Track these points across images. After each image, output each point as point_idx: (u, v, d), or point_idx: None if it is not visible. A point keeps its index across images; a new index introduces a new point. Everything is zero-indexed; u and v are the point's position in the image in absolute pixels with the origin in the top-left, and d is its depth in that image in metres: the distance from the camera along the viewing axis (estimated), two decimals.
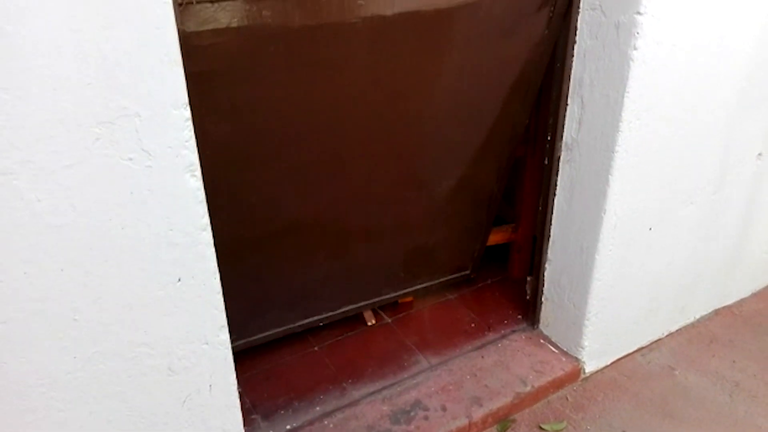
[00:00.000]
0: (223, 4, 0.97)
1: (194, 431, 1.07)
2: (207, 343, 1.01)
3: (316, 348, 1.70)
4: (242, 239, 1.36)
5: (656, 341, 1.81)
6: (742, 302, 2.00)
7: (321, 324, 1.71)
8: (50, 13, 0.73)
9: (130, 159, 0.83)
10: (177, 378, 1.01)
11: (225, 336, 1.03)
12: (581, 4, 1.34)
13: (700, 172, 1.58)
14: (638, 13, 1.24)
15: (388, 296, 1.78)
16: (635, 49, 1.27)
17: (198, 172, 0.90)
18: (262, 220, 1.37)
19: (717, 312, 1.94)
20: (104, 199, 0.84)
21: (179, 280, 0.94)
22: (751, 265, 1.96)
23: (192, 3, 0.92)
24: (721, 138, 1.56)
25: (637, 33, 1.25)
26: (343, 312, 1.73)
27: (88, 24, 0.75)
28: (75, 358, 0.90)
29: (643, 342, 1.78)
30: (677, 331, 1.86)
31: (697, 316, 1.90)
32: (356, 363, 1.65)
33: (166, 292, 0.94)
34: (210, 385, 1.05)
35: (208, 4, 0.95)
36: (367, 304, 1.77)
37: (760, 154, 1.71)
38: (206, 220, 0.93)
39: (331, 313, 1.71)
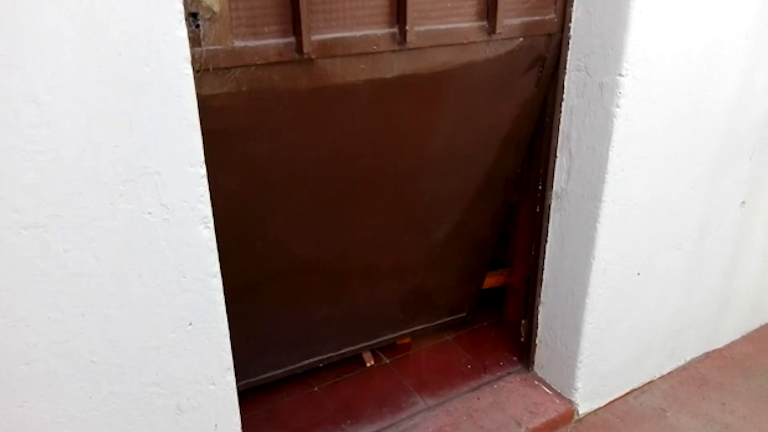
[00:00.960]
0: (236, 70, 1.06)
1: None
2: (214, 384, 1.07)
3: (316, 388, 1.75)
4: (247, 283, 1.43)
5: (648, 383, 1.85)
6: (732, 345, 2.05)
7: (321, 365, 1.76)
8: (82, 83, 0.81)
9: (150, 213, 0.91)
10: (185, 417, 1.06)
11: (231, 377, 1.09)
12: (568, 65, 1.44)
13: (685, 220, 1.65)
14: (620, 74, 1.33)
15: (386, 337, 1.84)
16: (618, 107, 1.36)
17: (211, 224, 0.97)
18: (267, 264, 1.44)
19: (707, 355, 1.99)
20: (124, 249, 0.91)
21: (190, 324, 1.01)
22: (740, 309, 2.01)
23: (209, 70, 1.01)
24: (704, 187, 1.64)
25: (620, 92, 1.35)
26: (343, 353, 1.78)
27: (116, 92, 0.83)
28: (91, 398, 0.96)
29: (636, 384, 1.82)
30: (669, 373, 1.90)
31: (688, 359, 1.94)
32: (355, 404, 1.69)
33: (178, 335, 1.00)
34: (215, 425, 1.10)
35: (224, 71, 1.05)
36: (366, 346, 1.82)
37: (743, 202, 1.79)
38: (217, 267, 1.00)
39: (331, 354, 1.76)
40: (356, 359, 1.84)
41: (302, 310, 1.62)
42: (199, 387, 1.06)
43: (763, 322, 2.14)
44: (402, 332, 1.86)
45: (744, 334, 2.09)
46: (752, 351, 2.03)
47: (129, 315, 0.95)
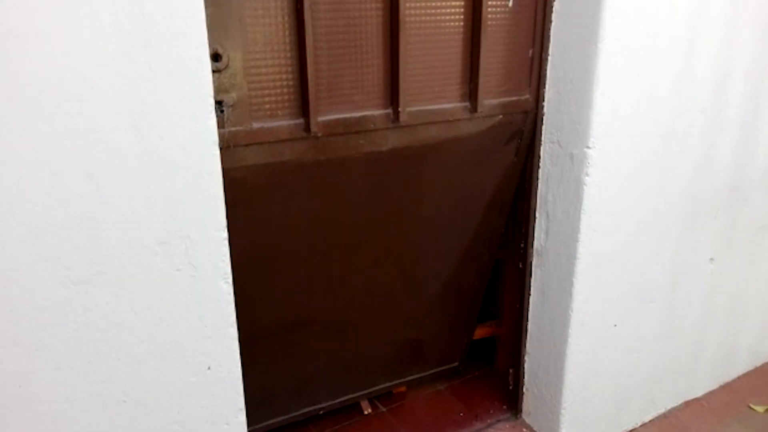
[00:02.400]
0: (253, 146, 1.24)
1: None
2: (228, 424, 1.19)
3: None
4: (255, 334, 1.56)
5: (630, 431, 1.96)
6: (710, 394, 2.16)
7: (321, 412, 1.87)
8: (129, 162, 0.98)
9: (179, 270, 1.06)
10: None
11: (243, 417, 1.22)
12: (543, 138, 1.63)
13: (657, 275, 1.80)
14: (587, 147, 1.52)
15: (383, 386, 1.95)
16: (587, 175, 1.54)
17: (230, 279, 1.12)
18: (273, 317, 1.58)
19: (686, 404, 2.10)
20: (156, 301, 1.06)
21: (209, 368, 1.14)
22: (715, 360, 2.14)
23: (230, 147, 1.19)
24: (673, 245, 1.80)
25: (588, 163, 1.53)
26: (342, 401, 1.89)
27: (156, 170, 1.00)
28: None
29: (618, 431, 1.93)
30: (650, 421, 2.01)
31: (668, 408, 2.05)
32: None
33: (198, 379, 1.14)
34: None
35: (243, 147, 1.22)
36: (363, 394, 1.93)
37: (712, 259, 1.94)
38: (234, 318, 1.15)
39: (330, 402, 1.87)
40: (354, 407, 1.94)
41: (304, 359, 1.75)
42: (214, 426, 1.18)
43: (738, 373, 2.25)
44: (397, 381, 1.98)
45: (721, 383, 2.21)
46: (729, 400, 2.14)
47: (157, 359, 1.08)
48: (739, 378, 2.26)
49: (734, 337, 2.17)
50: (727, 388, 2.21)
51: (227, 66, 1.17)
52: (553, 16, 1.51)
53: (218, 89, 1.15)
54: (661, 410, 2.03)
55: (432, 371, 2.04)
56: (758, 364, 2.31)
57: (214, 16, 1.11)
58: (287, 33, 1.22)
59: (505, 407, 1.96)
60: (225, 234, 1.09)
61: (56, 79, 0.89)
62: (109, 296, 1.01)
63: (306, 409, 1.83)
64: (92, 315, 1.01)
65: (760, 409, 2.08)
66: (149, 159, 0.99)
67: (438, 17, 1.40)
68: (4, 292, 0.94)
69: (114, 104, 0.94)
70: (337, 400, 1.88)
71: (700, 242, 1.87)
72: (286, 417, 1.79)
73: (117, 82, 0.93)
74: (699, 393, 2.14)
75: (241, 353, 1.20)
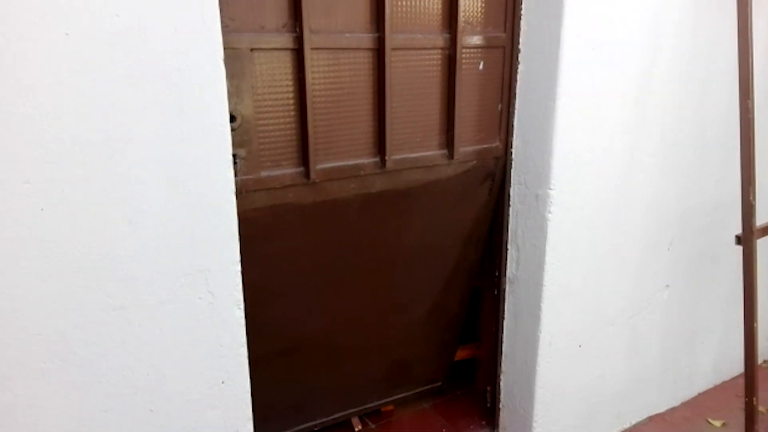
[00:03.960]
0: (261, 192, 1.45)
1: None
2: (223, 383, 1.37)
3: None
4: (259, 355, 1.75)
5: None
6: (672, 410, 2.36)
7: (315, 429, 2.04)
8: (162, 208, 1.18)
9: (200, 298, 1.26)
10: None
11: (250, 426, 1.40)
12: (512, 180, 1.86)
13: (617, 300, 2.02)
14: (550, 188, 1.74)
15: (372, 404, 2.13)
16: (550, 212, 1.76)
17: (242, 306, 1.32)
18: (274, 340, 1.77)
19: (650, 418, 2.29)
20: (180, 324, 1.25)
21: (223, 382, 1.33)
22: (677, 378, 2.34)
23: (242, 193, 1.40)
24: (631, 273, 2.02)
25: (550, 201, 1.75)
26: (335, 418, 2.07)
27: (184, 213, 1.20)
28: None
29: None
30: None
31: (633, 422, 2.25)
32: None
33: (213, 391, 1.33)
34: None
35: (253, 192, 1.43)
36: (354, 412, 2.11)
37: (667, 286, 2.16)
38: (245, 339, 1.34)
39: (324, 420, 2.05)
40: (346, 424, 2.12)
41: (302, 380, 1.93)
42: (226, 430, 1.37)
43: (699, 390, 2.45)
44: (386, 400, 2.16)
45: (683, 400, 2.41)
46: (690, 415, 2.34)
47: (180, 374, 1.27)
48: (700, 395, 2.46)
49: (694, 357, 2.38)
50: (688, 404, 2.41)
51: (240, 125, 1.39)
52: (518, 77, 1.76)
53: (233, 145, 1.36)
54: (627, 425, 2.23)
55: (417, 390, 2.23)
56: (717, 382, 2.52)
57: (232, 86, 1.33)
58: (291, 96, 1.45)
59: (483, 422, 2.15)
60: (239, 267, 1.29)
61: (108, 141, 1.10)
62: (142, 319, 1.21)
63: (303, 426, 2.01)
64: (127, 336, 1.20)
65: (717, 423, 2.28)
66: (179, 206, 1.19)
67: (419, 78, 1.64)
68: (57, 315, 1.13)
69: (153, 162, 1.15)
70: (330, 417, 2.06)
71: (656, 271, 2.10)
72: None
73: (156, 143, 1.14)
74: (662, 409, 2.34)
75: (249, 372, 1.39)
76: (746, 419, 1.98)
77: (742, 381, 2.20)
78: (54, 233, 1.09)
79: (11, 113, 1.01)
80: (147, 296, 1.20)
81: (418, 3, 1.57)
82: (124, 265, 1.17)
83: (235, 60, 1.33)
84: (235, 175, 1.35)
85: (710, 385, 2.50)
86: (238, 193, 1.35)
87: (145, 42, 1.09)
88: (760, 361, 2.55)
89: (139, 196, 1.15)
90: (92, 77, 1.06)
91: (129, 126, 1.11)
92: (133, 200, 1.14)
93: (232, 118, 1.35)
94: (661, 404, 2.33)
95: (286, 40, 1.40)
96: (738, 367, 2.46)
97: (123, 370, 1.21)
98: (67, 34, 1.03)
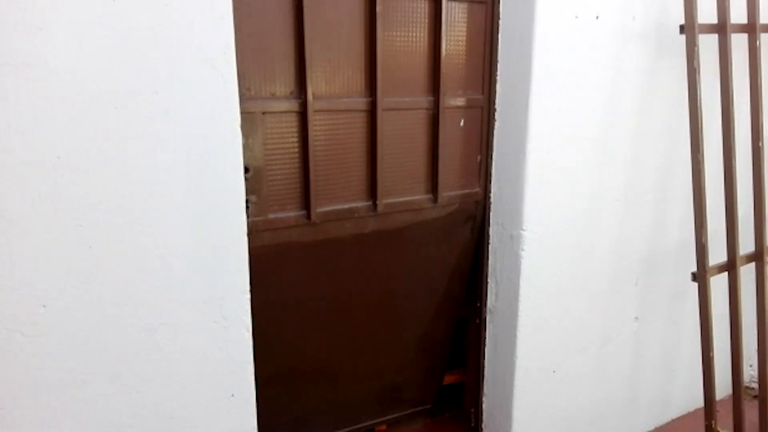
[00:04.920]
0: (268, 231, 1.70)
1: None
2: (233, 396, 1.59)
3: None
4: (263, 376, 1.97)
5: None
6: None
7: None
8: (189, 247, 1.43)
9: (215, 321, 1.50)
10: None
11: None
12: (491, 221, 2.09)
13: (588, 331, 2.23)
14: (522, 230, 1.98)
15: (366, 424, 2.33)
16: (523, 250, 1.99)
17: (250, 329, 1.55)
18: (277, 363, 1.98)
19: None
20: (198, 344, 1.48)
21: (232, 395, 1.56)
22: (649, 405, 2.53)
23: (252, 233, 1.64)
24: (600, 306, 2.23)
25: (523, 241, 1.98)
26: None
27: (206, 253, 1.45)
28: None
29: None
30: None
31: None
32: None
33: (224, 403, 1.55)
34: None
35: (261, 232, 1.68)
36: (349, 430, 2.31)
37: (636, 318, 2.37)
38: (252, 358, 1.57)
39: None
40: None
41: (301, 400, 2.14)
42: None
43: (673, 416, 2.63)
44: (379, 420, 2.36)
45: (657, 425, 2.59)
46: None
47: (197, 387, 1.50)
48: (673, 420, 2.64)
49: (667, 385, 2.56)
50: (661, 429, 2.59)
51: (253, 175, 1.64)
52: (495, 132, 2.01)
53: (246, 191, 1.61)
54: None
55: (408, 411, 2.43)
56: (690, 409, 2.69)
57: (246, 143, 1.59)
58: (296, 150, 1.70)
59: None
60: (248, 296, 1.53)
61: (145, 193, 1.35)
62: (167, 340, 1.44)
63: None
64: (154, 353, 1.44)
65: None
66: (200, 245, 1.44)
67: (406, 134, 1.89)
68: (97, 334, 1.37)
69: (181, 208, 1.40)
70: None
71: (624, 304, 2.31)
72: None
73: (184, 194, 1.39)
74: None
75: None
76: None
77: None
78: (98, 267, 1.33)
79: (72, 168, 1.27)
80: (171, 320, 1.44)
81: (405, 71, 1.84)
82: (153, 294, 1.41)
83: (249, 122, 1.60)
84: (247, 218, 1.60)
85: (683, 412, 2.67)
86: (249, 233, 1.59)
87: (178, 114, 1.35)
88: (746, 380, 2.72)
89: (168, 238, 1.39)
90: (135, 144, 1.32)
91: (163, 179, 1.36)
92: (164, 242, 1.39)
93: (246, 170, 1.61)
94: (634, 429, 2.51)
95: (292, 104, 1.67)
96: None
97: (149, 382, 1.44)
98: (116, 107, 1.29)
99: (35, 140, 1.22)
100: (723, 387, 2.34)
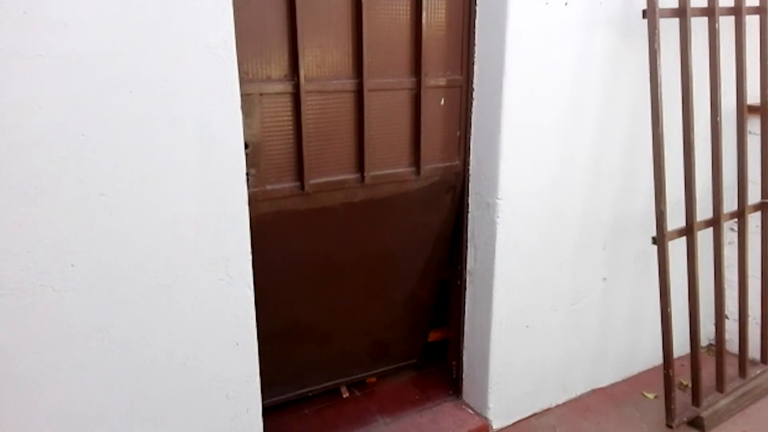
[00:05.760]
0: (266, 201, 1.90)
1: None
2: (248, 382, 1.81)
3: (306, 411, 2.45)
4: (263, 333, 2.18)
5: (546, 410, 2.57)
6: (613, 385, 2.78)
7: (310, 394, 2.48)
8: (200, 222, 1.62)
9: (221, 279, 1.70)
10: (231, 401, 1.79)
11: (257, 379, 1.84)
12: (470, 191, 2.29)
13: (558, 291, 2.45)
14: (498, 198, 2.18)
15: (358, 376, 2.57)
16: (498, 217, 2.19)
17: (252, 286, 1.76)
18: (277, 321, 2.20)
19: (593, 391, 2.72)
20: (208, 298, 1.69)
21: (237, 344, 1.77)
22: (617, 358, 2.77)
23: (251, 202, 1.84)
24: (570, 268, 2.45)
25: (498, 208, 2.18)
26: (326, 386, 2.50)
27: (213, 223, 1.64)
28: (181, 387, 1.70)
29: (536, 410, 2.54)
30: (563, 403, 2.62)
31: (578, 393, 2.67)
32: (334, 422, 2.39)
33: (231, 349, 1.76)
34: (247, 409, 1.83)
35: (260, 202, 1.87)
36: (342, 382, 2.54)
37: (604, 279, 2.59)
38: (254, 312, 1.78)
39: (317, 387, 2.48)
40: (335, 392, 2.56)
41: (298, 354, 2.36)
42: (239, 384, 1.80)
43: (639, 370, 2.88)
44: (369, 372, 2.59)
45: (625, 377, 2.83)
46: (628, 389, 2.76)
47: (207, 335, 1.71)
48: (639, 374, 2.88)
49: (634, 341, 2.80)
50: (629, 380, 2.83)
51: (252, 150, 1.83)
52: (473, 110, 2.20)
53: (246, 165, 1.80)
54: (572, 395, 2.66)
55: (396, 366, 2.66)
56: (656, 363, 2.92)
57: (245, 122, 1.77)
58: (290, 128, 1.89)
59: (450, 391, 2.58)
60: (250, 257, 1.73)
61: (162, 166, 1.54)
62: (180, 295, 1.65)
63: (299, 392, 2.44)
64: (169, 307, 1.64)
65: (650, 395, 2.70)
66: (208, 212, 1.64)
67: (391, 112, 2.08)
68: (120, 292, 1.57)
69: (191, 181, 1.59)
70: (322, 386, 2.49)
71: (593, 266, 2.53)
72: (283, 397, 2.41)
73: (193, 167, 1.58)
74: (605, 383, 2.76)
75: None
76: (665, 387, 2.41)
77: (680, 362, 2.62)
78: (119, 231, 1.53)
79: (95, 145, 1.46)
80: (183, 277, 1.64)
81: (389, 55, 2.01)
82: (167, 255, 1.61)
83: (248, 102, 1.78)
84: (248, 189, 1.80)
85: (650, 366, 2.91)
86: (249, 202, 1.79)
87: (186, 96, 1.53)
88: (705, 343, 2.96)
89: (179, 206, 1.59)
90: (149, 123, 1.51)
91: (174, 154, 1.55)
92: (175, 209, 1.59)
93: (246, 146, 1.79)
94: (604, 379, 2.76)
95: (287, 86, 1.85)
96: (676, 350, 2.87)
97: (165, 332, 1.65)
98: (131, 91, 1.47)
99: (63, 120, 1.41)
100: (686, 344, 2.56)
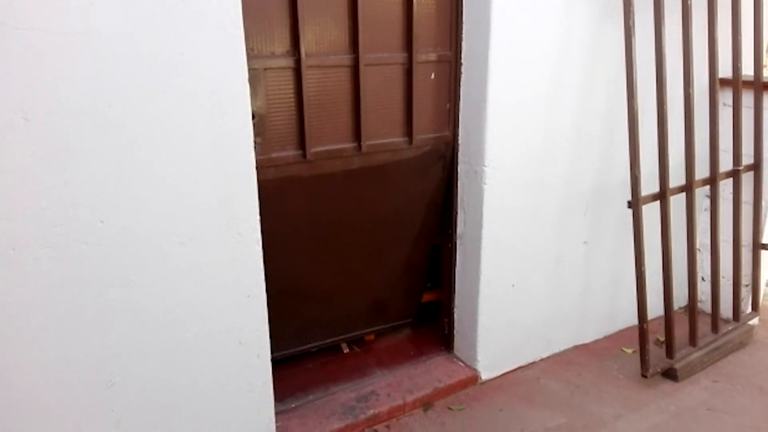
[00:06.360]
0: (271, 168, 2.08)
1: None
2: (258, 330, 2.01)
3: (310, 365, 2.67)
4: (270, 291, 2.38)
5: (531, 363, 2.78)
6: (596, 342, 2.99)
7: (314, 350, 2.69)
8: (213, 183, 1.81)
9: (232, 237, 1.89)
10: (243, 348, 1.99)
11: (266, 328, 2.03)
12: (459, 160, 2.47)
13: (542, 252, 2.64)
14: (485, 166, 2.36)
15: (357, 333, 2.77)
16: (485, 183, 2.38)
17: (260, 243, 1.94)
18: (281, 280, 2.39)
19: (576, 347, 2.93)
20: (220, 254, 1.88)
21: (248, 296, 1.97)
22: (599, 317, 2.97)
23: (259, 168, 2.02)
24: (553, 231, 2.64)
25: (485, 175, 2.36)
26: (328, 343, 2.71)
27: (223, 189, 1.83)
28: (198, 332, 1.90)
29: (522, 363, 2.75)
30: (547, 357, 2.83)
31: (561, 349, 2.88)
32: (336, 373, 2.61)
33: (243, 301, 1.95)
34: (258, 355, 2.04)
35: (266, 168, 2.06)
36: (343, 338, 2.75)
37: (585, 242, 2.78)
38: (262, 266, 1.97)
39: (320, 343, 2.69)
40: (337, 348, 2.77)
41: (302, 312, 2.56)
42: (250, 332, 2.00)
43: (620, 327, 3.08)
44: (368, 330, 2.80)
45: (606, 335, 3.04)
46: (609, 345, 2.97)
47: (220, 288, 1.90)
48: (619, 332, 3.08)
49: (615, 300, 3.00)
50: (610, 337, 3.04)
51: (258, 120, 2.01)
52: (461, 84, 2.37)
53: (254, 134, 1.98)
54: (556, 350, 2.86)
55: (393, 324, 2.87)
56: (636, 322, 3.11)
57: (252, 94, 1.95)
58: (292, 100, 2.07)
59: (443, 347, 2.79)
60: (257, 217, 1.92)
61: (179, 136, 1.72)
62: (196, 251, 1.84)
63: (303, 347, 2.65)
64: (187, 261, 1.83)
65: (629, 351, 2.91)
66: (219, 177, 1.82)
67: (385, 86, 2.25)
68: (144, 247, 1.76)
69: (205, 148, 1.77)
70: (324, 342, 2.69)
71: (575, 230, 2.72)
72: (289, 351, 2.61)
73: (207, 136, 1.76)
74: (587, 340, 2.97)
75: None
76: (639, 340, 2.62)
77: (658, 322, 2.82)
78: (143, 192, 1.71)
79: (120, 114, 1.64)
80: (199, 235, 1.83)
81: (382, 33, 2.18)
82: (184, 214, 1.79)
83: (254, 77, 1.95)
84: (255, 156, 1.98)
85: (630, 324, 3.10)
86: (257, 169, 1.97)
87: (199, 71, 1.71)
88: (675, 307, 3.15)
89: (194, 170, 1.77)
90: (167, 95, 1.68)
91: (189, 124, 1.73)
92: (191, 173, 1.77)
93: (253, 116, 1.97)
94: (586, 337, 2.96)
95: (289, 62, 2.02)
96: (655, 310, 3.06)
97: (183, 285, 1.84)
98: (151, 66, 1.65)
99: (93, 92, 1.58)
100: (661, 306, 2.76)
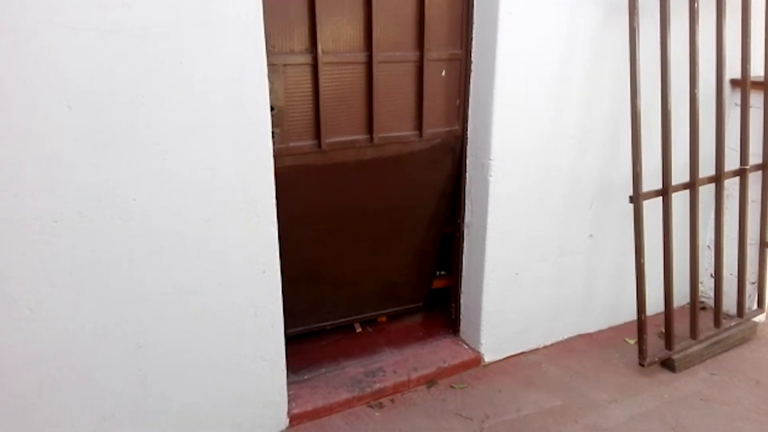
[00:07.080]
0: (288, 156, 2.26)
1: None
2: (272, 303, 2.20)
3: (324, 342, 2.85)
4: (288, 273, 2.56)
5: (534, 349, 2.91)
6: (600, 332, 3.09)
7: (328, 328, 2.87)
8: (236, 167, 2.00)
9: (251, 218, 2.07)
10: (259, 319, 2.18)
11: (280, 302, 2.22)
12: (467, 153, 2.61)
13: (546, 244, 2.76)
14: (491, 159, 2.49)
15: (370, 314, 2.94)
16: (491, 176, 2.51)
17: (276, 225, 2.13)
18: (298, 263, 2.57)
19: (580, 336, 3.04)
20: (239, 233, 2.07)
21: (264, 271, 2.15)
22: (603, 308, 3.07)
23: (276, 157, 2.20)
24: (557, 224, 2.75)
25: (491, 168, 2.50)
26: (341, 322, 2.88)
27: (245, 177, 2.01)
28: (219, 306, 2.10)
29: (525, 348, 2.88)
30: (550, 345, 2.95)
31: (565, 337, 3.00)
32: (348, 350, 2.78)
33: (258, 276, 2.13)
34: (272, 325, 2.22)
35: (283, 157, 2.24)
36: (356, 319, 2.92)
37: (591, 235, 2.89)
38: (277, 246, 2.15)
39: (334, 322, 2.86)
40: (349, 327, 2.94)
41: (318, 293, 2.74)
42: (266, 304, 2.19)
43: (624, 320, 3.17)
44: (380, 312, 2.96)
45: (610, 325, 3.13)
46: (612, 335, 3.07)
47: (240, 263, 2.09)
48: (624, 324, 3.17)
49: (619, 293, 3.09)
50: (614, 328, 3.13)
51: (277, 112, 2.19)
52: (471, 81, 2.50)
53: (272, 125, 2.16)
54: (559, 338, 2.98)
55: (404, 307, 3.02)
56: None
57: (271, 88, 2.13)
58: (309, 94, 2.24)
59: (450, 330, 2.94)
60: (274, 201, 2.10)
61: (204, 125, 1.91)
62: (218, 229, 2.03)
63: (318, 324, 2.83)
64: (211, 236, 2.03)
65: (631, 341, 3.01)
66: (240, 164, 2.00)
67: (397, 82, 2.40)
68: (172, 222, 1.96)
69: (228, 136, 1.95)
70: (338, 321, 2.87)
71: (580, 223, 2.82)
72: (305, 328, 2.80)
73: (229, 126, 1.95)
74: (591, 330, 3.08)
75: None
76: (638, 329, 2.72)
77: (660, 316, 2.90)
78: (171, 174, 1.91)
79: (150, 105, 1.83)
80: (220, 214, 2.02)
81: (396, 32, 2.33)
82: (208, 195, 1.99)
83: (274, 72, 2.13)
84: (273, 145, 2.15)
85: (634, 317, 3.19)
86: (274, 157, 2.14)
87: (222, 64, 1.89)
88: (684, 302, 3.22)
89: (217, 157, 1.96)
90: (192, 87, 1.87)
91: (212, 114, 1.92)
92: (214, 160, 1.96)
93: (272, 108, 2.15)
94: (590, 326, 3.07)
95: (306, 58, 2.19)
96: (660, 304, 3.13)
97: (206, 257, 2.04)
98: (180, 62, 1.84)
99: (127, 84, 1.78)
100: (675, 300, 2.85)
